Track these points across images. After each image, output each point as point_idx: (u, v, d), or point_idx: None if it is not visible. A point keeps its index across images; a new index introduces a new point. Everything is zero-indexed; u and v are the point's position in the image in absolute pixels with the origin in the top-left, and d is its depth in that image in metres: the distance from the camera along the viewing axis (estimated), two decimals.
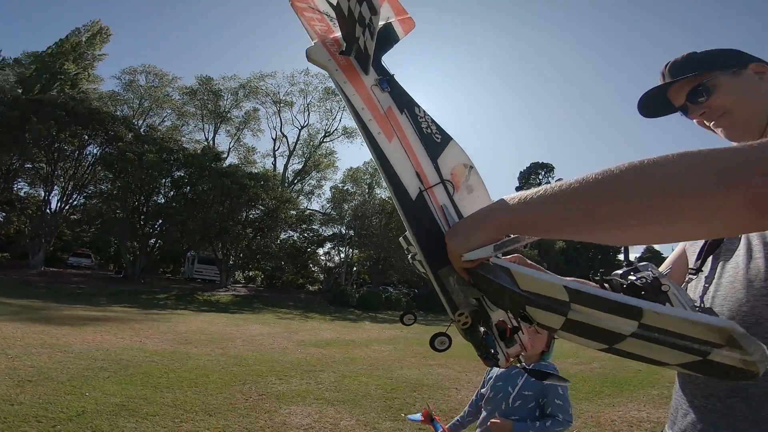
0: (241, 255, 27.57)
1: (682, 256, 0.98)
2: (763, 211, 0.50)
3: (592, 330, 0.57)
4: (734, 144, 0.53)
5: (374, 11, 0.75)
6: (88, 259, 27.86)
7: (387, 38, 0.96)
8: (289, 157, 34.36)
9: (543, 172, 44.23)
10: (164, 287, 20.88)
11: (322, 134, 34.43)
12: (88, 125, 21.88)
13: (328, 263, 33.25)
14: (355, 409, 3.81)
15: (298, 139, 34.46)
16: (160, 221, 25.54)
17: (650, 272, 0.68)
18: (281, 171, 33.79)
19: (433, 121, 0.86)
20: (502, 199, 0.66)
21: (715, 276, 0.83)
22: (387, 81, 0.86)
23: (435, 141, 0.85)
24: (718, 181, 0.49)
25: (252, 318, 13.09)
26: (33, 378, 3.73)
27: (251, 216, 27.28)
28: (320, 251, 32.47)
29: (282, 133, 34.61)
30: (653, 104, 0.97)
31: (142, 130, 27.01)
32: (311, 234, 31.21)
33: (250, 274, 32.82)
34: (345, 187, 31.02)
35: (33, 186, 24.10)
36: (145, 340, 6.82)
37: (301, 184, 34.48)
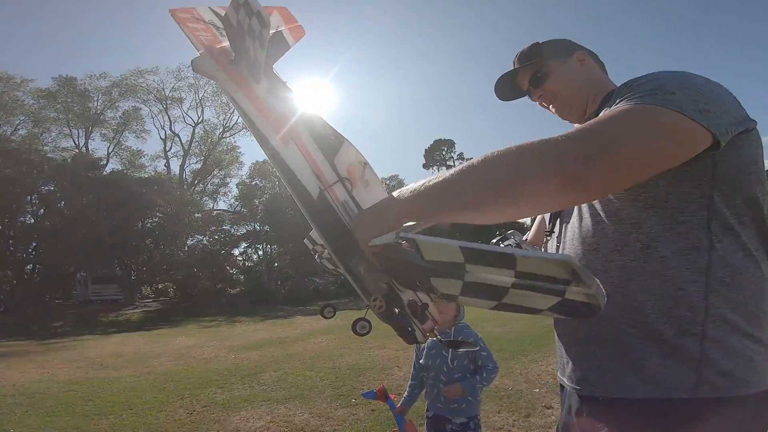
0: (144, 268, 25.30)
1: (542, 221, 1.14)
2: (577, 189, 0.68)
3: (483, 288, 0.69)
4: (556, 136, 0.69)
5: (264, 24, 0.75)
6: None
7: (277, 47, 0.96)
8: (184, 157, 31.00)
9: (445, 148, 48.00)
10: (57, 314, 18.53)
11: (221, 130, 31.49)
12: None
13: (246, 263, 31.91)
14: (306, 403, 3.96)
15: (192, 137, 31.11)
16: (35, 244, 22.29)
17: (513, 239, 0.81)
18: (177, 173, 30.59)
19: (326, 123, 0.90)
20: (399, 192, 0.80)
21: (562, 236, 0.95)
22: (276, 87, 0.88)
23: (329, 142, 0.88)
24: (541, 171, 0.67)
25: (173, 332, 12.29)
26: None
27: (148, 225, 24.97)
28: (235, 252, 30.94)
29: (173, 132, 31.00)
30: (506, 89, 1.09)
31: None
32: (222, 235, 29.49)
33: (159, 287, 30.28)
34: (253, 183, 29.58)
35: None
36: (53, 371, 6.22)
37: (203, 184, 31.55)
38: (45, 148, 25.66)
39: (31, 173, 20.98)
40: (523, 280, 0.63)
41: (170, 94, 29.64)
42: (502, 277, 0.64)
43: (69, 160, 23.91)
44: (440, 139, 48.19)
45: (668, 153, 0.69)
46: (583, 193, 0.71)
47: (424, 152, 48.63)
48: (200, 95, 30.55)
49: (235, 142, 32.93)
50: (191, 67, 0.85)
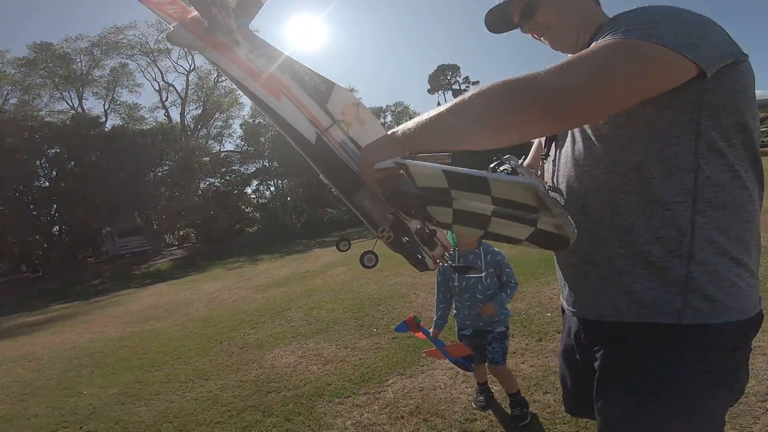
0: (164, 216, 26.14)
1: (539, 145, 1.17)
2: (557, 119, 0.75)
3: (470, 217, 0.76)
4: (541, 70, 0.74)
5: None
6: None
7: (249, 5, 0.96)
8: (183, 105, 30.91)
9: (450, 73, 47.41)
10: (94, 272, 19.70)
11: (215, 75, 30.62)
12: None
13: (260, 200, 32.53)
14: (331, 336, 4.37)
15: (187, 85, 30.83)
16: (55, 206, 22.99)
17: (510, 164, 0.78)
18: (179, 121, 30.68)
19: (314, 72, 0.94)
20: (404, 124, 0.89)
21: (556, 159, 0.98)
22: (258, 48, 0.91)
23: (320, 89, 0.93)
24: (523, 103, 0.73)
25: (201, 277, 13.07)
26: (26, 391, 3.86)
27: (160, 174, 25.31)
28: (248, 190, 31.46)
29: (166, 82, 30.78)
30: (497, 21, 1.06)
31: None
32: (233, 176, 29.87)
33: (181, 233, 31.41)
34: (256, 121, 29.28)
35: None
36: (104, 329, 6.83)
37: (206, 129, 31.68)
38: (40, 113, 25.77)
39: (33, 139, 21.02)
40: (500, 208, 0.71)
41: (155, 47, 28.87)
42: (483, 204, 0.72)
43: (68, 121, 23.81)
44: (444, 65, 47.38)
45: (648, 85, 0.72)
46: (562, 123, 0.79)
47: (428, 78, 47.58)
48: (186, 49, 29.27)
49: (231, 85, 32.04)
50: (168, 41, 0.88)
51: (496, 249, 2.33)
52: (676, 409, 0.83)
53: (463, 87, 48.74)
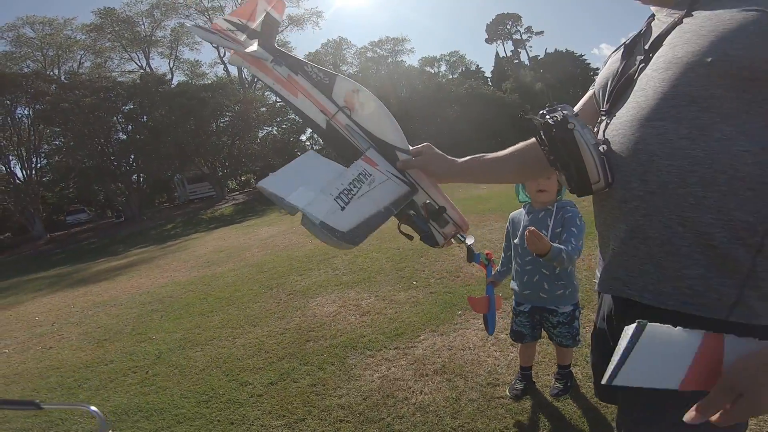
0: (227, 164, 27.66)
1: (591, 100, 1.04)
2: None
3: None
4: None
5: (244, 31, 1.19)
6: (83, 214, 28.27)
7: (271, 26, 1.23)
8: None
9: (510, 23, 44.62)
10: (168, 217, 21.52)
11: None
12: (3, 90, 20.33)
13: (314, 147, 33.49)
14: (372, 286, 4.50)
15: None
16: (133, 157, 25.15)
17: (561, 112, 0.79)
18: (236, 75, 32.34)
19: (319, 69, 1.13)
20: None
21: (621, 115, 0.86)
22: (279, 59, 1.14)
23: (324, 83, 1.11)
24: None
25: (259, 222, 13.84)
26: (106, 337, 4.40)
27: (221, 125, 26.70)
28: (303, 137, 32.49)
29: None
30: None
31: (63, 78, 24.92)
32: (289, 124, 30.93)
33: (242, 179, 33.21)
34: None
35: None
36: (174, 274, 7.52)
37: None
38: (113, 74, 28.49)
39: (109, 97, 22.85)
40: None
41: (209, 5, 30.57)
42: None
43: (138, 80, 25.55)
44: (504, 14, 45.67)
45: None
46: None
47: (486, 27, 44.66)
48: (239, 0, 30.43)
49: (284, 38, 33.89)
50: (228, 61, 1.24)
51: (573, 208, 1.93)
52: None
53: (524, 37, 45.30)
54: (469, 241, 1.18)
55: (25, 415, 2.89)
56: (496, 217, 6.93)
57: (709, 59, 0.70)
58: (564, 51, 39.17)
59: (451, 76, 37.78)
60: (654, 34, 0.85)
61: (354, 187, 0.96)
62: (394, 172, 1.07)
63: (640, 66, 0.83)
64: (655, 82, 0.77)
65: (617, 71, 0.90)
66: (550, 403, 2.11)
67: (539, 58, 42.40)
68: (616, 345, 0.96)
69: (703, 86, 0.71)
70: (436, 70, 38.75)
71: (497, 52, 45.68)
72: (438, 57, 39.28)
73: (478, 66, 43.24)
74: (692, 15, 0.79)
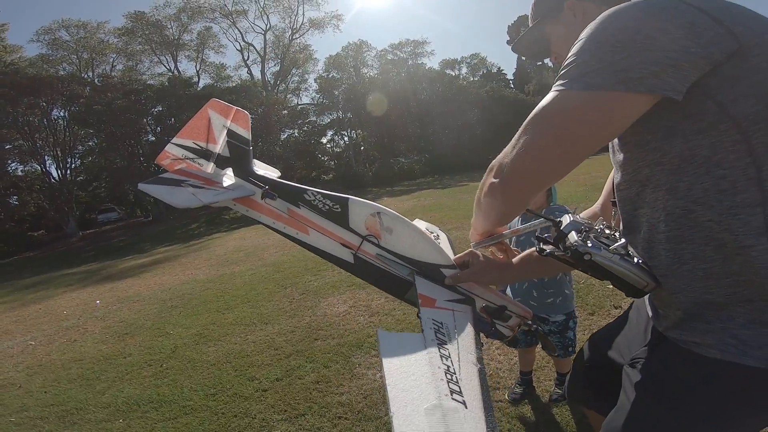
0: None
1: (609, 191, 1.03)
2: (504, 204, 0.85)
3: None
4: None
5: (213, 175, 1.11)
6: (114, 213, 29.31)
7: (240, 148, 1.06)
8: (262, 62, 33.83)
9: None
10: (192, 217, 22.09)
11: (290, 33, 33.44)
12: (40, 93, 21.25)
13: (334, 149, 33.90)
14: None
15: (265, 44, 33.62)
16: None
17: (568, 240, 0.74)
18: (260, 78, 33.40)
19: (324, 195, 1.00)
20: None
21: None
22: (269, 191, 1.01)
23: (336, 212, 0.98)
24: (491, 207, 0.90)
25: None
26: (127, 331, 4.58)
27: None
28: (324, 140, 33.02)
29: (246, 42, 33.66)
30: (531, 53, 1.08)
31: (96, 81, 25.91)
32: (310, 127, 31.49)
33: None
34: (330, 75, 30.51)
35: (25, 163, 24.56)
36: (195, 272, 7.74)
37: (285, 83, 34.47)
38: (143, 77, 29.52)
39: (139, 100, 23.72)
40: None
41: (233, 9, 31.53)
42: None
43: (166, 83, 26.36)
44: (525, 15, 44.73)
45: (590, 137, 0.67)
46: (504, 206, 0.85)
47: (507, 28, 44.83)
48: (261, 4, 32.28)
49: (305, 41, 34.80)
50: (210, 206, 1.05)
51: (565, 208, 1.93)
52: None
53: None
54: (534, 327, 1.11)
55: (44, 404, 3.05)
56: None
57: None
58: None
59: (472, 79, 37.49)
60: None
61: (445, 359, 0.78)
62: (452, 296, 0.98)
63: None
64: (621, 170, 0.81)
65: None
66: (549, 409, 2.09)
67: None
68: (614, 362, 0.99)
69: (634, 170, 0.75)
70: (456, 72, 38.57)
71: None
72: (459, 59, 39.23)
73: (499, 68, 42.86)
74: None
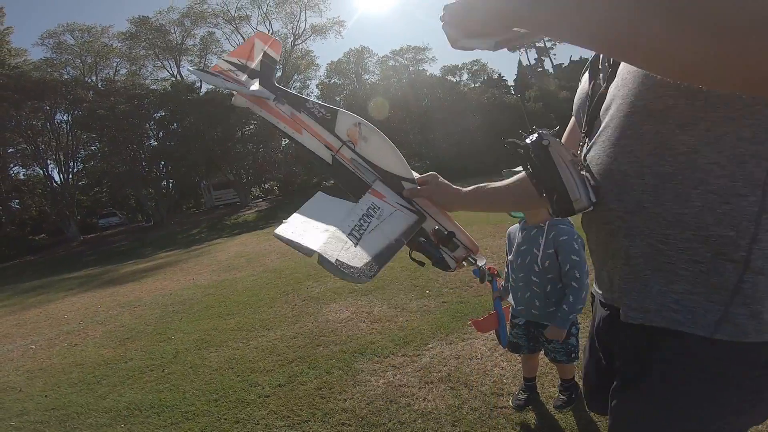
0: (251, 171, 28.32)
1: (574, 127, 1.01)
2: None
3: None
4: None
5: (243, 70, 1.21)
6: (115, 218, 29.35)
7: (269, 66, 1.28)
8: None
9: None
10: (194, 222, 22.13)
11: (291, 38, 33.54)
12: (43, 96, 21.36)
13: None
14: (384, 294, 4.52)
15: None
16: (163, 163, 26.03)
17: (538, 132, 0.78)
18: None
19: (321, 105, 1.16)
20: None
21: (594, 137, 0.84)
22: (280, 97, 1.18)
23: (327, 118, 1.14)
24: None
25: None
26: (129, 336, 4.57)
27: (247, 132, 27.38)
28: None
29: None
30: None
31: (100, 85, 26.03)
32: None
33: (266, 186, 33.92)
34: (332, 81, 30.62)
35: (27, 167, 24.65)
36: (196, 277, 7.74)
37: (286, 89, 34.84)
38: (146, 81, 29.55)
39: (142, 105, 23.83)
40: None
41: (236, 14, 31.65)
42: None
43: (169, 87, 26.48)
44: None
45: None
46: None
47: None
48: (264, 10, 32.42)
49: (307, 47, 35.13)
50: (232, 102, 1.21)
51: (567, 228, 1.88)
52: (690, 426, 0.76)
53: (548, 45, 44.72)
54: (480, 262, 1.17)
55: (44, 408, 3.04)
56: None
57: None
58: (588, 59, 38.50)
59: (473, 85, 37.68)
60: None
61: (364, 222, 0.97)
62: (402, 203, 1.08)
63: (606, 84, 0.81)
64: (617, 100, 0.75)
65: (588, 92, 0.89)
66: (553, 415, 2.08)
67: (563, 66, 41.87)
68: (603, 353, 0.99)
69: (654, 97, 0.68)
70: (457, 78, 38.77)
71: (520, 61, 45.37)
72: (459, 66, 39.38)
73: (500, 74, 43.07)
74: None
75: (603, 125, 0.80)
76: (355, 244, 0.90)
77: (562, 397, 2.12)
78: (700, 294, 0.70)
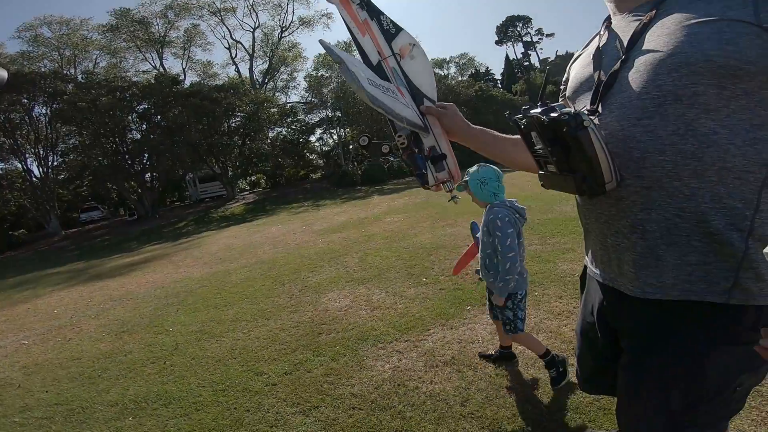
0: (237, 163, 27.99)
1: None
2: None
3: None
4: None
5: None
6: (97, 212, 28.74)
7: None
8: (251, 60, 33.78)
9: (521, 25, 45.20)
10: (179, 215, 21.81)
11: (279, 30, 33.47)
12: (21, 89, 20.72)
13: (323, 148, 33.73)
14: (382, 283, 4.56)
15: (254, 42, 33.52)
16: (146, 156, 25.58)
17: (567, 110, 0.79)
18: (248, 76, 33.29)
19: (391, 21, 1.28)
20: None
21: (607, 113, 0.87)
22: (363, 3, 1.28)
23: (390, 32, 1.27)
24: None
25: (269, 221, 13.99)
26: (124, 329, 4.52)
27: (233, 125, 27.06)
28: (312, 138, 32.91)
29: (234, 40, 33.65)
30: None
31: (80, 77, 25.39)
32: (299, 125, 31.36)
33: (253, 179, 33.57)
34: (319, 74, 30.39)
35: (5, 161, 23.93)
36: (188, 270, 7.66)
37: (273, 82, 34.46)
38: (127, 74, 28.86)
39: (124, 97, 23.33)
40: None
41: (222, 6, 31.30)
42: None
43: (152, 80, 25.94)
44: (514, 15, 46.06)
45: None
46: None
47: (496, 29, 45.28)
48: (251, 2, 32.11)
49: (295, 39, 35.24)
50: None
51: (501, 209, 2.10)
52: (710, 391, 0.83)
53: (535, 39, 45.19)
54: (455, 193, 1.29)
55: (47, 404, 3.01)
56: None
57: (690, 58, 0.74)
58: (575, 53, 38.72)
59: (460, 78, 37.69)
60: (623, 37, 0.88)
61: (383, 86, 1.10)
62: (416, 109, 1.20)
63: (619, 68, 0.85)
64: (638, 83, 0.81)
65: (592, 76, 0.93)
66: (558, 394, 2.16)
67: (549, 60, 42.19)
68: (605, 336, 1.04)
69: (686, 84, 0.75)
70: (445, 72, 38.76)
71: (507, 54, 45.71)
72: (447, 59, 39.57)
73: (487, 68, 43.29)
74: (660, 18, 0.82)
75: (614, 105, 0.84)
76: (369, 83, 1.01)
77: (552, 374, 2.20)
78: (712, 264, 0.77)
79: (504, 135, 1.21)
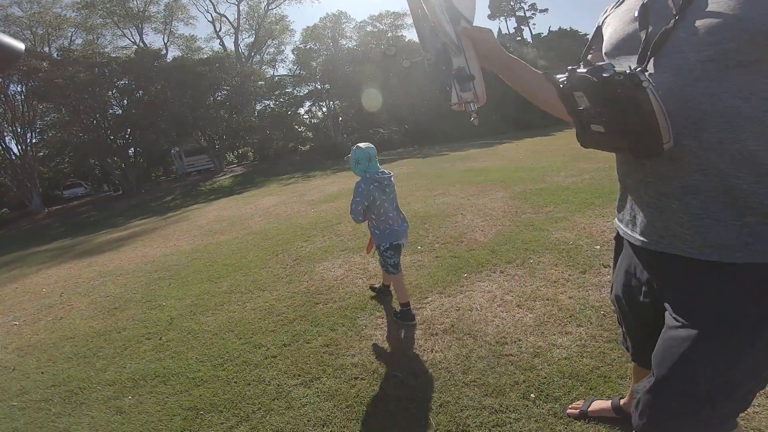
0: (224, 136, 27.45)
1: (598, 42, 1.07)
2: None
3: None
4: None
5: None
6: (80, 188, 28.18)
7: None
8: (236, 34, 32.87)
9: None
10: (166, 189, 21.44)
11: (265, 3, 32.44)
12: None
13: (312, 120, 33.21)
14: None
15: (239, 15, 32.47)
16: (129, 131, 24.97)
17: (621, 68, 0.79)
18: (233, 49, 32.45)
19: None
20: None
21: (660, 72, 0.85)
22: None
23: None
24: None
25: (259, 192, 13.79)
26: (116, 305, 4.44)
27: (219, 98, 26.43)
28: (301, 111, 32.36)
29: (219, 13, 33.77)
30: None
31: (55, 55, 24.33)
32: (287, 98, 30.76)
33: (240, 152, 33.08)
34: (308, 47, 29.57)
35: None
36: (178, 243, 7.53)
37: (260, 55, 33.75)
38: (105, 50, 27.57)
39: (103, 73, 22.60)
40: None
41: None
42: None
43: (132, 55, 25.02)
44: None
45: None
46: None
47: (488, 2, 44.09)
48: None
49: (282, 12, 34.43)
50: None
51: (360, 183, 2.74)
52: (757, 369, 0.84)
53: (528, 14, 44.17)
54: (475, 115, 1.22)
55: (44, 385, 2.96)
56: (497, 188, 6.92)
57: (760, 27, 0.73)
58: (568, 29, 37.37)
59: None
60: None
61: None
62: (451, 27, 1.14)
63: (672, 27, 0.83)
64: (696, 46, 0.80)
65: (637, 32, 0.89)
66: (558, 360, 2.16)
67: (542, 36, 41.11)
68: (653, 302, 1.00)
69: (750, 51, 0.75)
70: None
71: (500, 29, 44.81)
72: None
73: None
74: None
75: (669, 66, 0.82)
76: None
77: (376, 286, 3.23)
78: None
79: (534, 70, 1.15)
